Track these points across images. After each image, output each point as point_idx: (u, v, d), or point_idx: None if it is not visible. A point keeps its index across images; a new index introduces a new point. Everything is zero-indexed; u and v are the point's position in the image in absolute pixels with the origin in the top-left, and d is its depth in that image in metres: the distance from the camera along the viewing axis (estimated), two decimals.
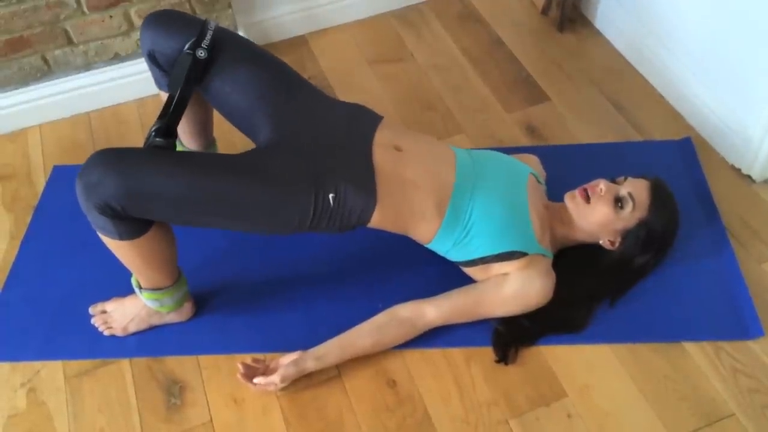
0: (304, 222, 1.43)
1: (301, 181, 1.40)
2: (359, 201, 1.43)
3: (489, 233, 1.51)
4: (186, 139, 1.77)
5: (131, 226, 1.37)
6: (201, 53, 1.47)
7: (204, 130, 1.78)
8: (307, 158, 1.44)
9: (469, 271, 1.58)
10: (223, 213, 1.40)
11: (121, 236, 1.38)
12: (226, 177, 1.38)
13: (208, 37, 1.48)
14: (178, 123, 1.46)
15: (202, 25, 1.49)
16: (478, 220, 1.51)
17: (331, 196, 1.41)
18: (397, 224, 1.51)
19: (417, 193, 1.48)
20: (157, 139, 1.40)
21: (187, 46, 1.48)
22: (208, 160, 1.44)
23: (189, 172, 1.36)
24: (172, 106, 1.44)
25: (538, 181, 1.68)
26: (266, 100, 1.52)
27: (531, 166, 1.74)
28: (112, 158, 1.32)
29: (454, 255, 1.56)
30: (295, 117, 1.52)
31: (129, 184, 1.30)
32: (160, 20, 1.55)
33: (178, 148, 1.77)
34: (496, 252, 1.51)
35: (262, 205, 1.40)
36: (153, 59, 1.57)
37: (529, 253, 1.52)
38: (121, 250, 1.42)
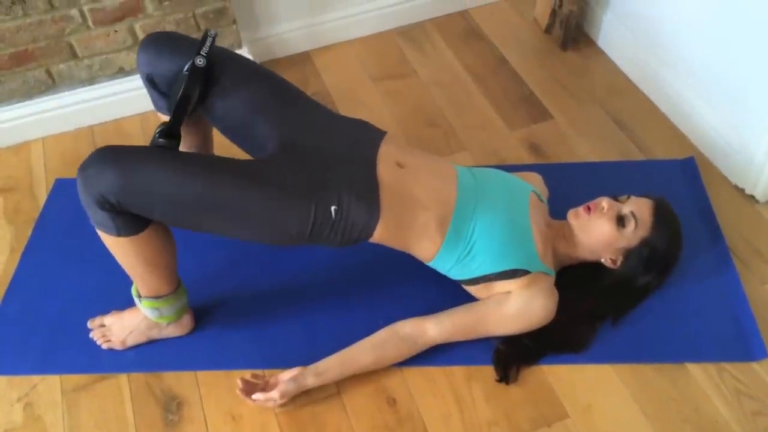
0: (302, 233, 1.42)
1: (301, 191, 1.40)
2: (362, 214, 1.42)
3: (491, 251, 1.50)
4: None
5: (129, 221, 1.37)
6: (200, 61, 1.46)
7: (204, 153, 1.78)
8: (309, 169, 1.43)
9: (471, 289, 1.57)
10: (218, 216, 1.40)
11: (119, 231, 1.38)
12: (224, 179, 1.37)
13: (208, 44, 1.47)
14: (181, 124, 1.45)
15: (203, 35, 1.49)
16: (480, 239, 1.50)
17: (333, 208, 1.40)
18: (400, 241, 1.50)
19: (419, 210, 1.47)
20: (160, 139, 1.41)
21: (186, 67, 1.47)
22: (209, 160, 1.43)
23: (187, 171, 1.36)
24: (174, 106, 1.44)
25: (540, 200, 1.67)
26: (269, 113, 1.52)
27: (534, 184, 1.73)
28: (111, 153, 1.34)
29: (455, 273, 1.55)
30: (297, 129, 1.51)
31: (126, 177, 1.31)
32: (156, 43, 1.55)
33: None
34: (498, 270, 1.50)
35: (259, 211, 1.39)
36: (151, 82, 1.58)
37: (531, 271, 1.51)
38: (119, 247, 1.42)
